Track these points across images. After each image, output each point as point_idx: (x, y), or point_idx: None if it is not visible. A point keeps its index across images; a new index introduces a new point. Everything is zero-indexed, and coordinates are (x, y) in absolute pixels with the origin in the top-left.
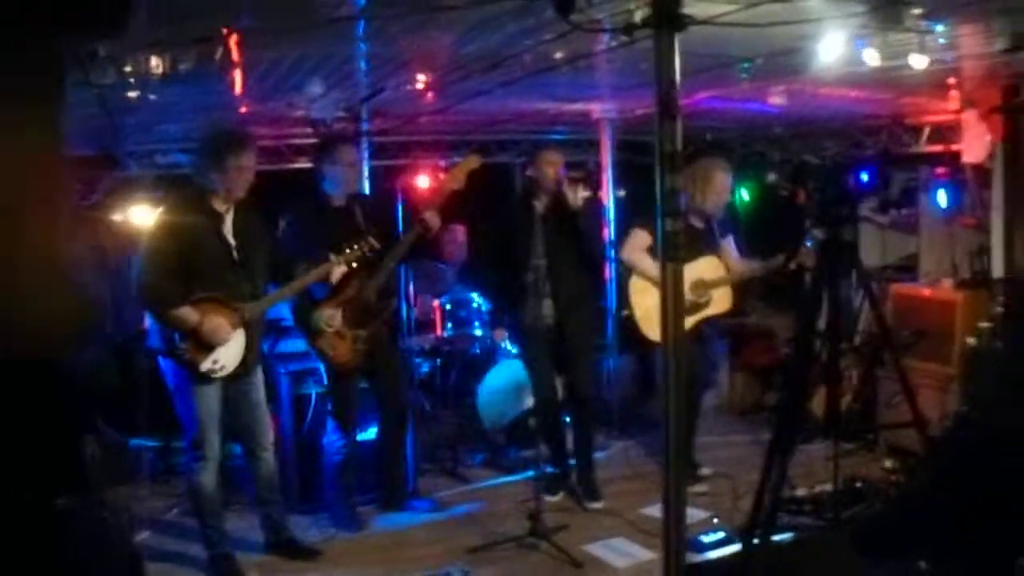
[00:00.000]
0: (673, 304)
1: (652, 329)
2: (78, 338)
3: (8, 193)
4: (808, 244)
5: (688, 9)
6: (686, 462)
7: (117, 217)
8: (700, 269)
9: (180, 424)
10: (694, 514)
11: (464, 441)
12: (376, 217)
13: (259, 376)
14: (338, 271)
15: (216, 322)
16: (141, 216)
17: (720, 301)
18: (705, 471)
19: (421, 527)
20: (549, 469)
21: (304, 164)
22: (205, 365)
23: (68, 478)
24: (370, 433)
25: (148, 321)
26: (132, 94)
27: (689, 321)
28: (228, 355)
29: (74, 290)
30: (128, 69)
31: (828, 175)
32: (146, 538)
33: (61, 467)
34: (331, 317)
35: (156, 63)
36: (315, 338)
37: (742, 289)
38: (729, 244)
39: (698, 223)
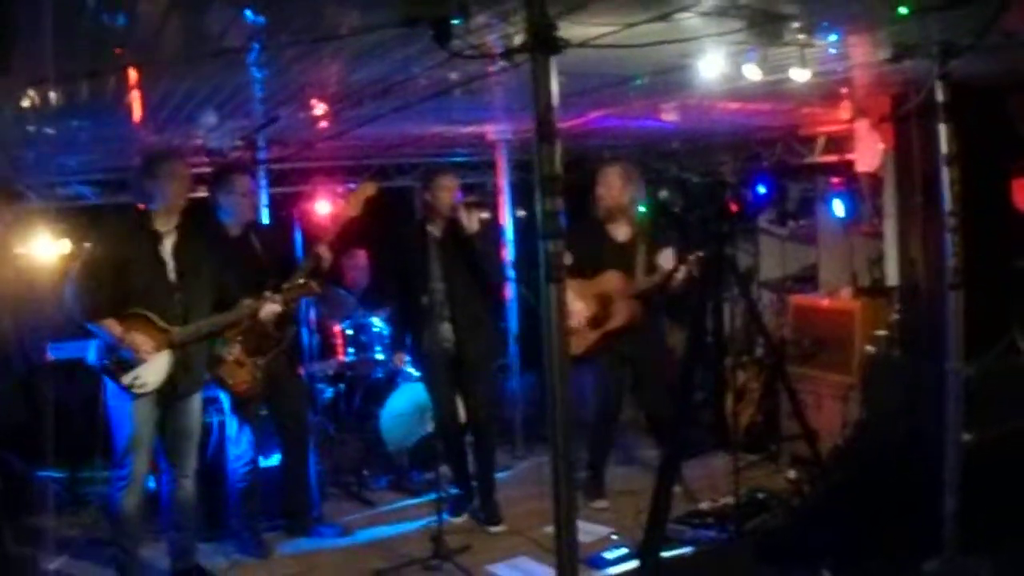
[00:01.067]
0: (557, 325)
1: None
2: None
3: None
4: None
5: (565, 32)
6: (595, 484)
7: (19, 250)
8: (602, 284)
9: (90, 452)
10: (597, 531)
11: (369, 465)
12: (273, 246)
13: (195, 402)
14: (269, 309)
15: (137, 339)
16: (43, 248)
17: (620, 314)
18: (600, 504)
19: (327, 552)
20: (452, 491)
21: (201, 194)
22: (126, 379)
23: None
24: (273, 459)
25: (96, 340)
26: (29, 128)
27: (593, 336)
28: (149, 373)
29: None
30: (25, 104)
31: (708, 193)
32: (57, 565)
33: None
34: (230, 345)
35: (52, 96)
36: (214, 366)
37: (645, 302)
38: (664, 258)
39: (618, 235)
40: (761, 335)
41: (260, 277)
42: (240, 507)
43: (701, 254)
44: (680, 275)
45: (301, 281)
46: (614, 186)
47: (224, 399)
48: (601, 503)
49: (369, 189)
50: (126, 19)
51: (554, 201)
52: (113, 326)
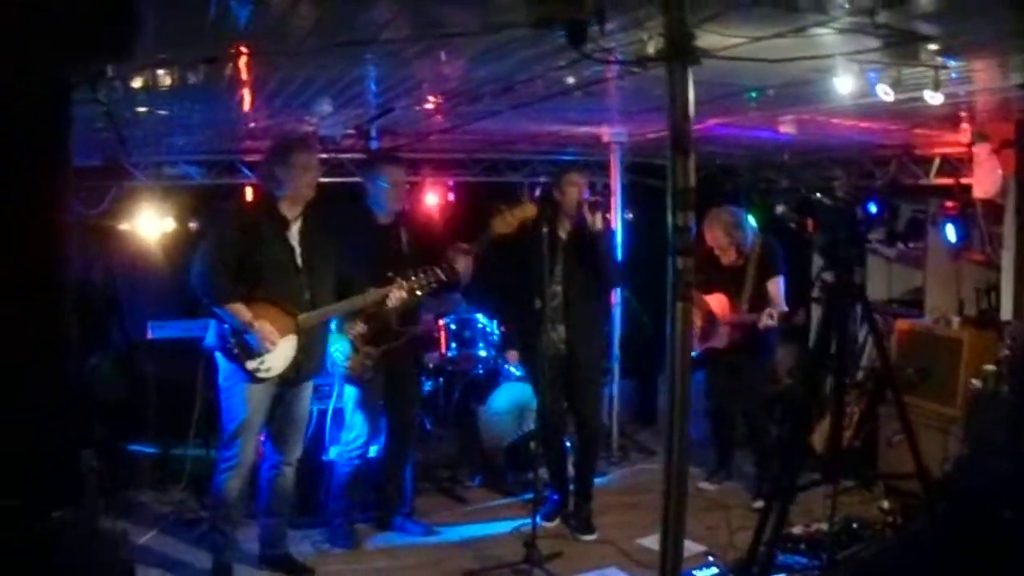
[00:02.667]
0: (681, 341)
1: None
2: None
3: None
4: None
5: (700, 41)
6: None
7: (124, 227)
8: (711, 303)
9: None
10: (689, 547)
11: (463, 462)
12: (419, 240)
13: (308, 389)
14: (397, 296)
15: (266, 327)
16: (148, 226)
17: (722, 337)
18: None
19: (416, 548)
20: (548, 494)
21: (326, 179)
22: (251, 365)
23: (65, 490)
24: (372, 451)
25: (213, 321)
26: (141, 108)
27: (698, 349)
28: (275, 358)
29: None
30: (137, 85)
31: (838, 215)
32: (146, 540)
33: (59, 479)
34: (352, 326)
35: (165, 77)
36: (334, 342)
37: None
38: (773, 286)
39: (725, 259)
40: (883, 363)
41: (399, 267)
42: (341, 494)
43: (827, 280)
44: (799, 318)
45: (428, 271)
46: (716, 238)
47: (345, 386)
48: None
49: (528, 211)
50: (252, 5)
51: (686, 216)
52: (242, 312)
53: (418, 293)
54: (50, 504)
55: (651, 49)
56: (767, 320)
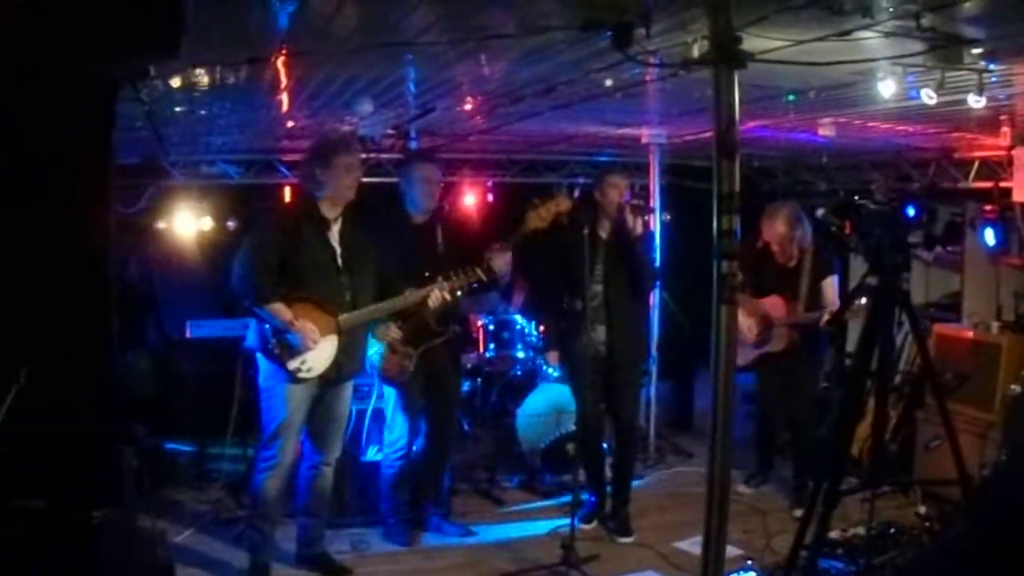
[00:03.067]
0: (725, 344)
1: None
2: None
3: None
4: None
5: (745, 44)
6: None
7: (162, 225)
8: (767, 306)
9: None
10: (726, 551)
11: (500, 463)
12: (455, 239)
13: (349, 389)
14: (436, 296)
15: (307, 326)
16: (185, 224)
17: (777, 340)
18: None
19: (453, 549)
20: (585, 496)
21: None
22: (292, 364)
23: (104, 490)
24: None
25: (253, 321)
26: (180, 108)
27: (752, 354)
28: (317, 358)
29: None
30: (176, 84)
31: (882, 219)
32: (183, 539)
33: (98, 480)
34: (387, 328)
35: (204, 77)
36: (373, 344)
37: (804, 330)
38: (827, 284)
39: (782, 259)
40: (925, 368)
41: (435, 267)
42: (390, 494)
43: (872, 285)
44: (848, 315)
45: (468, 270)
46: (779, 233)
47: (385, 387)
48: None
49: (562, 204)
50: (295, 6)
51: (731, 219)
52: (283, 311)
53: (458, 293)
54: (91, 503)
55: (695, 52)
56: (828, 303)
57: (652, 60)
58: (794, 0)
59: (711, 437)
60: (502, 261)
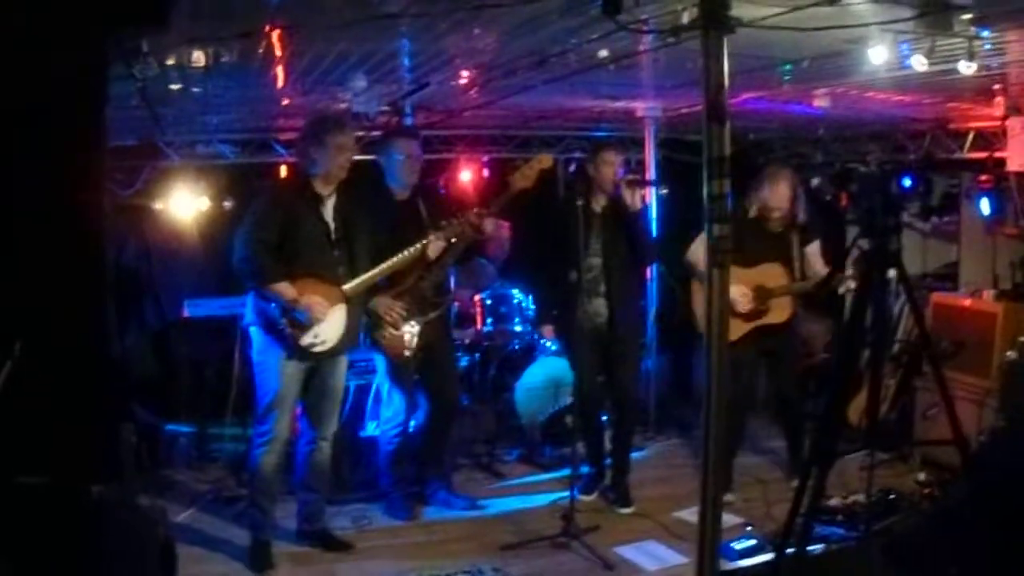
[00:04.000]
0: (718, 309)
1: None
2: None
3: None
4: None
5: (735, 11)
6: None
7: (158, 206)
8: (762, 275)
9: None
10: (726, 519)
11: (500, 437)
12: (440, 212)
13: (343, 363)
14: (436, 246)
15: (313, 300)
16: (182, 205)
17: (778, 310)
18: (729, 497)
19: (455, 522)
20: (584, 469)
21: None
22: (306, 340)
23: (103, 466)
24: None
25: (249, 297)
26: (174, 86)
27: (746, 327)
28: (328, 330)
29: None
30: (171, 62)
31: (875, 183)
32: (184, 518)
33: (97, 456)
34: (389, 306)
35: (198, 56)
36: (371, 328)
37: (801, 299)
38: (812, 250)
39: (775, 227)
40: (920, 334)
41: (422, 238)
42: (388, 470)
43: (863, 248)
44: (842, 282)
45: (459, 218)
46: (784, 197)
47: (379, 361)
48: (728, 496)
49: (545, 161)
50: None
51: (722, 183)
52: (286, 290)
53: (454, 240)
54: (89, 479)
55: (685, 19)
56: (850, 284)
57: (642, 28)
58: None
59: (704, 405)
60: (492, 223)
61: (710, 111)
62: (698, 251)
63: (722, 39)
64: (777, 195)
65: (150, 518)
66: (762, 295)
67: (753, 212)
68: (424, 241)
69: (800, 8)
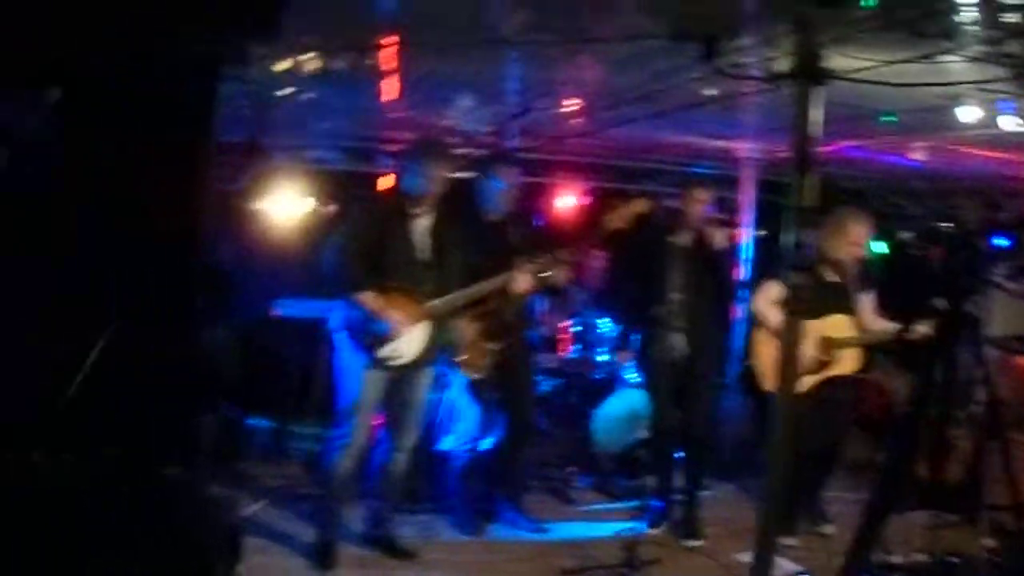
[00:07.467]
0: (790, 358)
1: (772, 382)
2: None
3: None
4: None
5: (830, 62)
6: (810, 511)
7: (259, 205)
8: (829, 326)
9: (302, 408)
10: (783, 565)
11: (574, 463)
12: (529, 240)
13: (426, 376)
14: (522, 279)
15: (395, 314)
16: (282, 206)
17: (846, 361)
18: (791, 541)
19: (518, 543)
20: (653, 502)
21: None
22: (383, 352)
23: (181, 451)
24: (486, 443)
25: (340, 303)
26: (285, 91)
27: (812, 379)
28: (408, 345)
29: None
30: (282, 67)
31: (960, 243)
32: (255, 510)
33: (176, 440)
34: (464, 327)
35: (310, 62)
36: (451, 345)
37: (871, 349)
38: (867, 301)
39: (833, 277)
40: (989, 396)
41: (508, 264)
42: (459, 484)
43: (939, 307)
44: (917, 333)
45: (548, 255)
46: (861, 237)
47: (455, 378)
48: (791, 540)
49: (642, 205)
50: None
51: (803, 233)
52: (373, 301)
53: (541, 275)
54: (164, 461)
55: (779, 67)
56: (924, 330)
57: (738, 72)
58: (877, 21)
59: (769, 450)
60: (563, 274)
61: (798, 161)
62: (762, 301)
63: (813, 89)
64: (857, 232)
65: (220, 504)
66: (827, 346)
67: (819, 254)
68: (509, 273)
69: (893, 63)
